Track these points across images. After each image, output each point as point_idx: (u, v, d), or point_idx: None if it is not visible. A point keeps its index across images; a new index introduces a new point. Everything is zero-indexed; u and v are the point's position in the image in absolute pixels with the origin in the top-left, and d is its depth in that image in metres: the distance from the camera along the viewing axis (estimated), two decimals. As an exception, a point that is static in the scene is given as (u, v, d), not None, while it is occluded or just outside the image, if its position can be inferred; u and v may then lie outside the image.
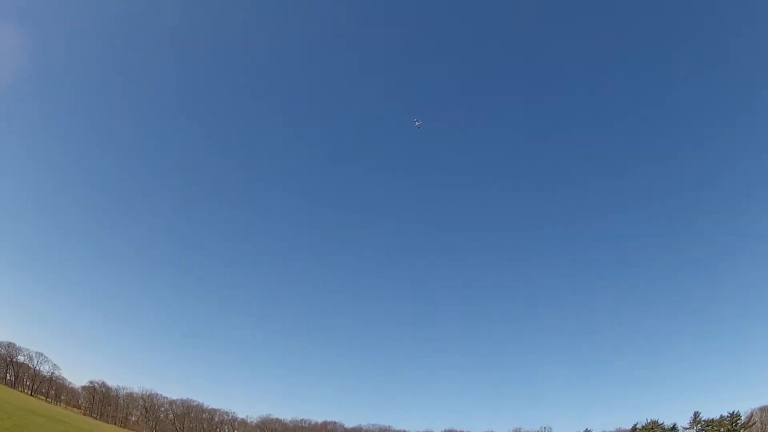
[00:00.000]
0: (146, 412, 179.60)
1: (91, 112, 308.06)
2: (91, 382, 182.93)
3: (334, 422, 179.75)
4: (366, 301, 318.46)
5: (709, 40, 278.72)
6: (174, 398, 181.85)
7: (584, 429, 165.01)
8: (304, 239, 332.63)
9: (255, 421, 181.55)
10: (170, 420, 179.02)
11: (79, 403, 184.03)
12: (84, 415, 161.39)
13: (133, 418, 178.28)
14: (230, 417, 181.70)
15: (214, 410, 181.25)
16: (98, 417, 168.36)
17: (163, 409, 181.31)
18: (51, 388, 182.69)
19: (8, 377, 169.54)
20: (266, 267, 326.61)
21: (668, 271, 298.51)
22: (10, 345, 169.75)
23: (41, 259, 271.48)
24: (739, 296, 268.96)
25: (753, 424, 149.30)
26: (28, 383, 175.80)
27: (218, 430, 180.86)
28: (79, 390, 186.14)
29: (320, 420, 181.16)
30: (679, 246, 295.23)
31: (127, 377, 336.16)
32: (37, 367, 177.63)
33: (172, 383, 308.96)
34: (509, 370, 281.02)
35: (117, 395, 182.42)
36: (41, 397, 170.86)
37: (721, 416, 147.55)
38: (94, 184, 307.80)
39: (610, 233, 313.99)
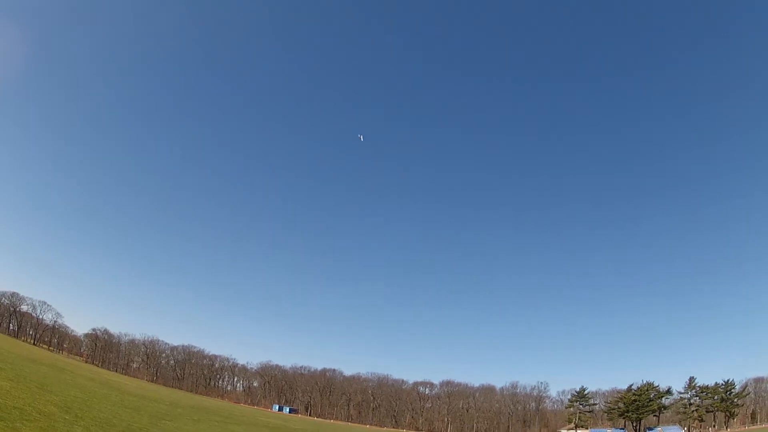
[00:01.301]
0: (147, 358, 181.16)
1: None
2: (93, 330, 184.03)
3: (333, 369, 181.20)
4: (367, 249, 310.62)
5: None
6: (175, 344, 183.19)
7: (580, 386, 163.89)
8: (305, 183, 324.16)
9: (255, 368, 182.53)
10: (171, 366, 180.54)
11: (82, 351, 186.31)
12: (86, 362, 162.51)
13: (135, 365, 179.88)
14: (230, 363, 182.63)
15: (215, 356, 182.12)
16: (100, 364, 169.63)
17: (164, 355, 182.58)
18: (54, 337, 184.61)
19: (11, 327, 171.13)
20: (268, 213, 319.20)
21: (675, 231, 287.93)
22: (13, 295, 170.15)
23: (43, 208, 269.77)
24: (740, 270, 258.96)
25: (747, 394, 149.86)
26: (30, 332, 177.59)
27: (218, 376, 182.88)
28: (82, 338, 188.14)
29: (319, 367, 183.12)
30: (689, 207, 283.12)
31: (130, 324, 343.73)
32: (40, 316, 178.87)
33: (173, 330, 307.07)
34: (508, 326, 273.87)
35: (119, 342, 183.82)
36: (44, 346, 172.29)
37: (716, 383, 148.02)
38: (98, 125, 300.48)
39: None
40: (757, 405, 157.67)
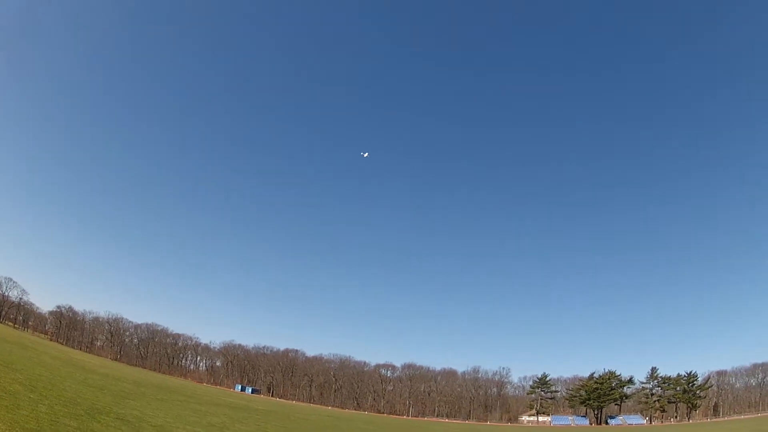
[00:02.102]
0: (111, 336, 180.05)
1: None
2: (58, 307, 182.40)
3: (296, 350, 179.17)
4: (331, 230, 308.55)
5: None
6: (139, 323, 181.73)
7: (542, 373, 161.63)
8: (268, 160, 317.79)
9: (218, 347, 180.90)
10: (135, 345, 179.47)
11: (47, 328, 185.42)
12: (51, 340, 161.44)
13: (99, 343, 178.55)
14: (194, 342, 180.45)
15: (178, 335, 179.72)
16: (65, 342, 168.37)
17: (128, 333, 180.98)
18: (19, 314, 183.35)
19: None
20: (231, 190, 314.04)
21: (643, 223, 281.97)
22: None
23: (5, 184, 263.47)
24: (705, 266, 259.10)
25: (710, 387, 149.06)
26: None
27: (181, 355, 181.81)
28: (47, 315, 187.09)
29: (282, 348, 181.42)
30: (659, 198, 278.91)
31: (94, 302, 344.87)
32: (6, 293, 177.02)
33: (137, 308, 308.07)
34: (470, 310, 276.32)
35: (83, 320, 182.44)
36: (9, 323, 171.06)
37: (678, 375, 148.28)
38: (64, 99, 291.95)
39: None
40: (720, 398, 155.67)
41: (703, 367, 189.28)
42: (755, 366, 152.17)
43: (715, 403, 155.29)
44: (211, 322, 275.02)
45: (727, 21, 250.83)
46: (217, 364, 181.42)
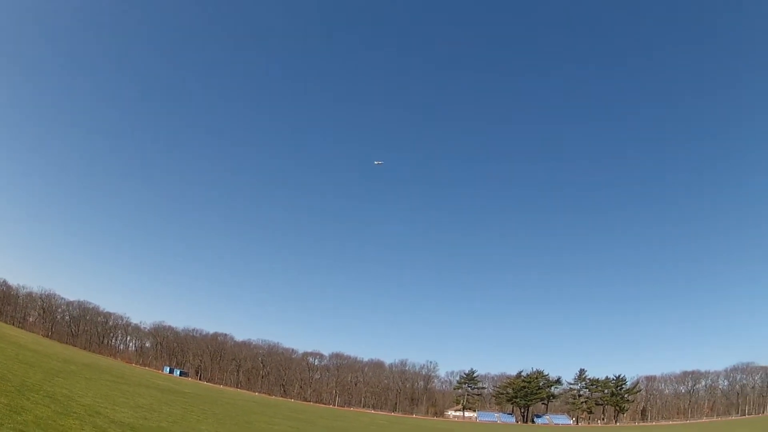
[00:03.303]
0: (44, 312, 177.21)
1: None
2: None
3: (225, 334, 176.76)
4: (263, 213, 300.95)
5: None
6: (71, 299, 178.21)
7: (469, 369, 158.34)
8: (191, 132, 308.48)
9: (148, 328, 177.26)
10: (66, 322, 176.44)
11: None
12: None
13: (31, 319, 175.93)
14: (124, 322, 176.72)
15: (109, 314, 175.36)
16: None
17: (60, 310, 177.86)
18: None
19: None
20: (167, 168, 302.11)
21: (574, 227, 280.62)
22: None
23: None
24: (640, 271, 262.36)
25: (638, 391, 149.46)
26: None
27: (112, 334, 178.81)
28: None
29: (211, 331, 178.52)
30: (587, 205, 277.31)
31: (28, 276, 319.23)
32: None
33: (70, 284, 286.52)
34: (399, 303, 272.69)
35: (17, 295, 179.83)
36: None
37: (607, 378, 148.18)
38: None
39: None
40: (648, 403, 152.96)
41: (632, 372, 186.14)
42: (685, 373, 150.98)
43: (644, 407, 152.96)
44: (142, 302, 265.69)
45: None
46: (147, 345, 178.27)
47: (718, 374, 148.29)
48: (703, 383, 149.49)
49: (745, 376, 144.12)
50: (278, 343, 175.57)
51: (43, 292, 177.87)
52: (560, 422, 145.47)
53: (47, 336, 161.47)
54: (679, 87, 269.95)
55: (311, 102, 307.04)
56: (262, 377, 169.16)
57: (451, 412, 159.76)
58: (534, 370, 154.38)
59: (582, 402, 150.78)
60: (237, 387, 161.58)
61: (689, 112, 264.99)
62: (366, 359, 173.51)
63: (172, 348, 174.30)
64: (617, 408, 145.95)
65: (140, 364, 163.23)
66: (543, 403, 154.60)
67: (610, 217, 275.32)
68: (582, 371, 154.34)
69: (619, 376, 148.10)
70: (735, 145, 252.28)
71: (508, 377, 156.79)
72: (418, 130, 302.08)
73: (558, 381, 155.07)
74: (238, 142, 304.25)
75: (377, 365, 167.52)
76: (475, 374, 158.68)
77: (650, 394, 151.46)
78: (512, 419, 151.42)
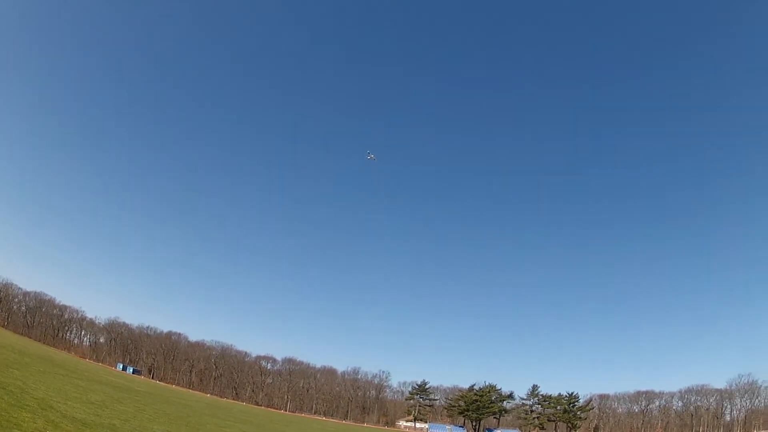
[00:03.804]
0: (0, 302, 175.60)
1: None
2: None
3: (179, 333, 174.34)
4: (219, 215, 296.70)
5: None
6: (28, 290, 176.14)
7: (422, 380, 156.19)
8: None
9: (103, 323, 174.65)
10: (22, 313, 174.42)
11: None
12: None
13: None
14: (79, 316, 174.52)
15: (65, 307, 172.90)
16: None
17: (16, 300, 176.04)
18: None
19: None
20: (131, 162, 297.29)
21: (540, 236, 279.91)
22: None
23: None
24: (597, 290, 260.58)
25: (591, 408, 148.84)
26: None
27: (67, 328, 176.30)
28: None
29: (166, 330, 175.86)
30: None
31: None
32: None
33: (27, 273, 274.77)
34: (353, 311, 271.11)
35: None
36: None
37: (560, 394, 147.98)
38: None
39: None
40: (601, 420, 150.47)
41: (586, 390, 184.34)
42: (639, 393, 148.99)
43: (596, 425, 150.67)
44: (98, 296, 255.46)
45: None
46: (101, 340, 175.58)
47: (672, 395, 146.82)
48: (657, 403, 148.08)
49: (699, 398, 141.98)
50: (232, 345, 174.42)
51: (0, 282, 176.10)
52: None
53: (2, 326, 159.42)
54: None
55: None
56: (215, 379, 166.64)
57: (402, 423, 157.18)
58: (487, 383, 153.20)
59: (534, 418, 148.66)
60: (189, 387, 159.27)
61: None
62: (319, 366, 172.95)
63: (126, 345, 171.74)
64: (570, 425, 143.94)
65: (94, 360, 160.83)
66: (495, 417, 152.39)
67: (564, 233, 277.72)
68: (535, 387, 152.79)
69: (572, 393, 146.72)
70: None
71: (461, 390, 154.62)
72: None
73: (510, 396, 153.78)
74: (197, 137, 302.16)
75: (330, 372, 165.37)
76: (427, 386, 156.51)
77: (603, 412, 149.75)
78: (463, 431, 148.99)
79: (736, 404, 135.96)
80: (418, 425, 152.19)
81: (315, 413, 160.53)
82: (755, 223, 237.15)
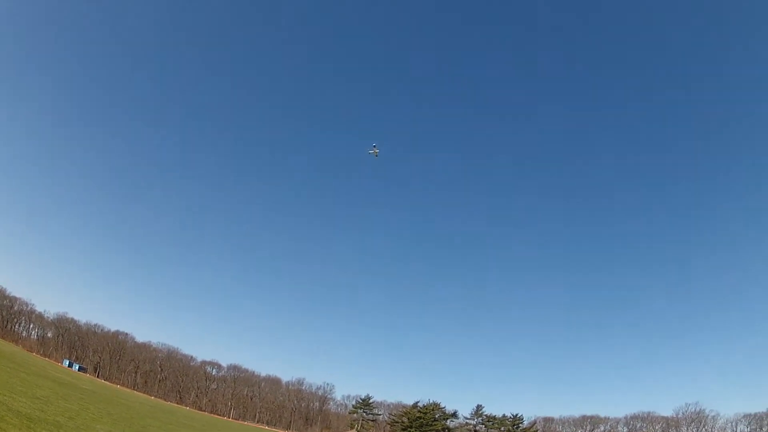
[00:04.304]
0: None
1: None
2: None
3: (126, 333, 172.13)
4: (167, 218, 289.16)
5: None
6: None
7: (366, 394, 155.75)
8: None
9: (51, 318, 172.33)
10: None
11: None
12: None
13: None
14: (29, 308, 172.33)
15: (15, 298, 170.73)
16: None
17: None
18: None
19: None
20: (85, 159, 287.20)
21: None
22: None
23: None
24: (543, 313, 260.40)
25: (535, 431, 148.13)
26: None
27: (16, 320, 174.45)
28: None
29: (113, 328, 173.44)
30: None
31: None
32: None
33: None
34: (298, 321, 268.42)
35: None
36: None
37: (504, 415, 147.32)
38: None
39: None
40: None
41: (531, 412, 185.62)
42: (584, 417, 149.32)
43: None
44: (48, 289, 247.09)
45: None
46: (48, 335, 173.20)
47: (617, 420, 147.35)
48: (602, 428, 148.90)
49: (645, 425, 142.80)
50: (178, 348, 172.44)
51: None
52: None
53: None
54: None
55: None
56: (160, 381, 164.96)
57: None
58: (431, 401, 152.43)
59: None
60: (134, 388, 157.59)
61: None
62: (263, 374, 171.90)
63: (73, 341, 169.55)
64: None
65: (41, 354, 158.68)
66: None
67: (510, 256, 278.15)
68: (479, 407, 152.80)
69: (517, 414, 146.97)
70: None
71: (404, 406, 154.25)
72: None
73: (454, 414, 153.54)
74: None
75: (274, 381, 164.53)
76: (371, 400, 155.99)
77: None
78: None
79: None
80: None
81: (258, 422, 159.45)
82: (701, 254, 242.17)
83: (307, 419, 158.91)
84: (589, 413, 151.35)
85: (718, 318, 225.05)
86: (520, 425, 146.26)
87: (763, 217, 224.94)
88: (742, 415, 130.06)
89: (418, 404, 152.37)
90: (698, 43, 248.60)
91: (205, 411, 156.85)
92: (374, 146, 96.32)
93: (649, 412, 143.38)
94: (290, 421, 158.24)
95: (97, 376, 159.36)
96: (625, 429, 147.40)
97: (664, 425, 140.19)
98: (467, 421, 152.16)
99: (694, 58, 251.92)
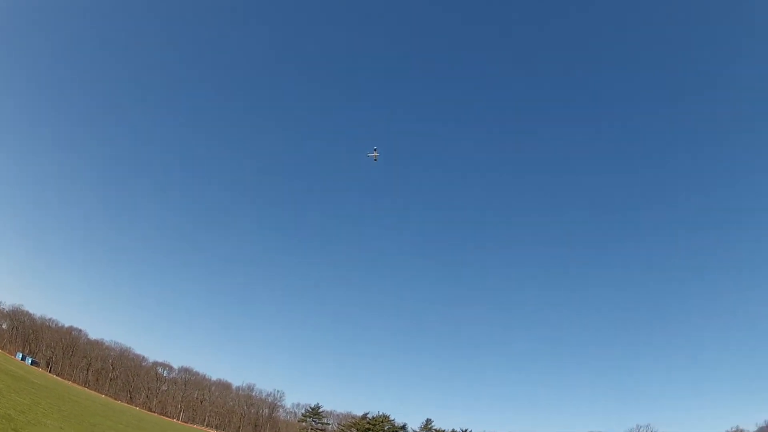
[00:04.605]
0: None
1: None
2: None
3: (80, 329, 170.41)
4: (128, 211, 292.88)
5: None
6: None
7: (315, 403, 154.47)
8: None
9: (7, 309, 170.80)
10: None
11: None
12: None
13: None
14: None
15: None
16: None
17: None
18: None
19: None
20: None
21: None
22: None
23: None
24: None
25: None
26: None
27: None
28: None
29: (67, 324, 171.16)
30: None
31: None
32: None
33: None
34: (249, 326, 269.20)
35: None
36: None
37: (453, 430, 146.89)
38: None
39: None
40: None
41: (479, 428, 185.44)
42: None
43: None
44: (5, 278, 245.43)
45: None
46: (3, 326, 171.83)
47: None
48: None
49: None
50: (130, 348, 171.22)
51: None
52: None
53: None
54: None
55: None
56: (111, 380, 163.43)
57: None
58: (380, 413, 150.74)
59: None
60: (85, 385, 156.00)
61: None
62: (214, 378, 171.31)
63: (27, 334, 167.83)
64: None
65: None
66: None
67: (461, 273, 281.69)
68: (428, 421, 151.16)
69: (466, 429, 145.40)
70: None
71: (354, 417, 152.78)
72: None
73: (404, 428, 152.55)
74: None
75: (225, 386, 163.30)
76: (320, 409, 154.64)
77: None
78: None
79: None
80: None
81: (207, 426, 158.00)
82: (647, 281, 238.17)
83: (256, 425, 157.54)
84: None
85: (666, 342, 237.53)
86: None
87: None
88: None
89: (368, 415, 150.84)
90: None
91: (154, 412, 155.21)
92: (375, 150, 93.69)
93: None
94: (239, 427, 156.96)
95: (50, 371, 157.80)
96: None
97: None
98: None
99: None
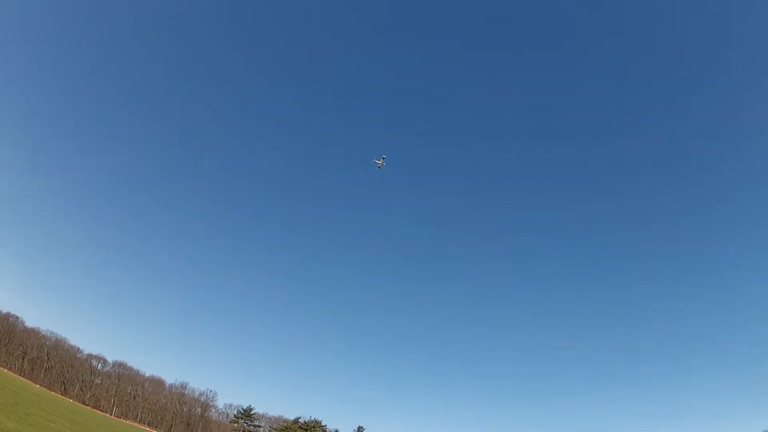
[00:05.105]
0: None
1: None
2: None
3: (17, 317, 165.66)
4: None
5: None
6: None
7: (248, 405, 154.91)
8: None
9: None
10: None
11: None
12: None
13: None
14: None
15: None
16: None
17: None
18: None
19: None
20: None
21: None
22: None
23: None
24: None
25: None
26: None
27: None
28: None
29: (4, 310, 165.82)
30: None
31: None
32: None
33: None
34: (183, 323, 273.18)
35: None
36: None
37: None
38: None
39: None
40: None
41: None
42: None
43: None
44: None
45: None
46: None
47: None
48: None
49: None
50: (66, 338, 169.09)
51: None
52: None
53: None
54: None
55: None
56: (46, 370, 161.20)
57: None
58: (312, 418, 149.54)
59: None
60: (20, 374, 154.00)
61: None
62: (148, 374, 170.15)
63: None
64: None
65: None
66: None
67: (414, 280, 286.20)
68: (360, 428, 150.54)
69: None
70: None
71: (286, 421, 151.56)
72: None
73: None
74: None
75: (158, 383, 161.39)
76: (252, 411, 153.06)
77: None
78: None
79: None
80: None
81: (140, 422, 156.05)
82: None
83: (188, 424, 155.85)
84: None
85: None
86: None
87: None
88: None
89: (300, 420, 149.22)
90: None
91: (88, 405, 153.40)
92: (383, 157, 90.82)
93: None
94: (171, 425, 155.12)
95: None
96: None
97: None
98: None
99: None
